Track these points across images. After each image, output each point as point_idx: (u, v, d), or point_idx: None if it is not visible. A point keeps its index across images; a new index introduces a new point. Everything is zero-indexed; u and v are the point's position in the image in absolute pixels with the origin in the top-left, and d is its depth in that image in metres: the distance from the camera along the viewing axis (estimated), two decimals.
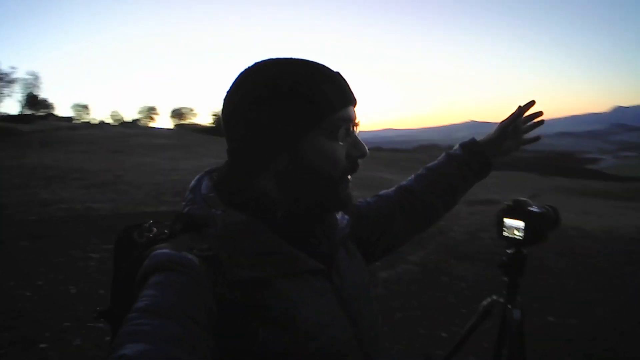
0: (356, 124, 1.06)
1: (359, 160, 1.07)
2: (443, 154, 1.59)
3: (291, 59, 1.04)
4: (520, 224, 1.87)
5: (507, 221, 1.90)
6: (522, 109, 1.54)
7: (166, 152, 20.81)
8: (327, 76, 1.02)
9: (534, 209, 1.87)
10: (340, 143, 1.02)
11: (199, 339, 0.78)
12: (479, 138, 1.58)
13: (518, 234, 1.87)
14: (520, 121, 1.57)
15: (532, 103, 1.55)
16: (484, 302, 2.10)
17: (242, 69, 1.05)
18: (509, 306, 2.00)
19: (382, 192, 1.51)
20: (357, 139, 1.06)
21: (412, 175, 1.58)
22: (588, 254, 8.20)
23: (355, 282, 1.15)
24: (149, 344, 0.71)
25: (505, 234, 1.91)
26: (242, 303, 0.91)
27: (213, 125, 32.04)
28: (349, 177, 1.06)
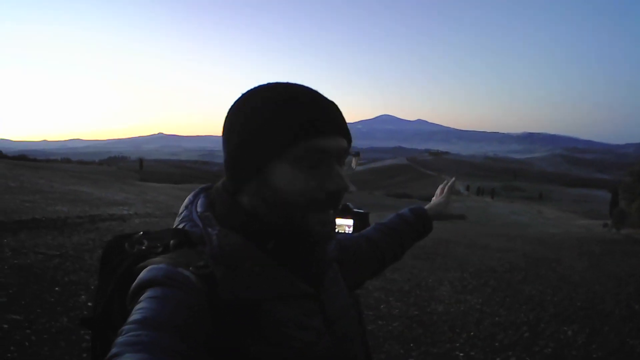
0: (340, 157, 1.03)
1: (339, 195, 1.03)
2: (394, 215, 1.79)
3: (284, 84, 1.05)
4: (350, 221, 2.28)
5: (338, 220, 2.29)
6: (446, 185, 1.96)
7: None
8: (308, 104, 1.01)
9: (358, 210, 2.30)
10: (309, 173, 0.99)
11: (194, 354, 0.80)
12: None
13: (348, 230, 2.28)
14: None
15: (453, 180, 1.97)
16: None
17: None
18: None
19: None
20: (334, 171, 1.01)
21: (369, 227, 1.74)
22: None
23: (340, 304, 1.18)
24: (148, 354, 0.73)
25: (337, 230, 2.30)
26: (236, 321, 0.93)
27: None
28: (329, 209, 1.04)
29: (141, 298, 0.86)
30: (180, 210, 1.13)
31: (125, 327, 0.79)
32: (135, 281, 0.91)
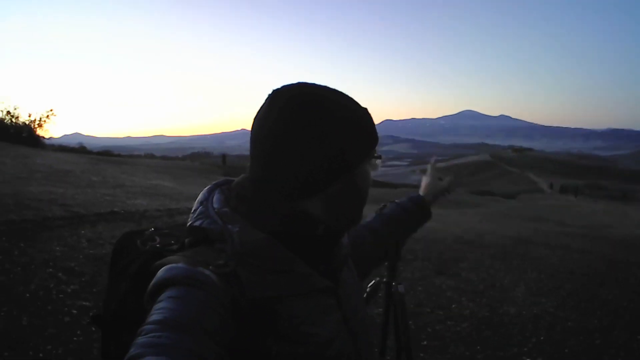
0: None
1: None
2: (393, 204, 1.82)
3: (327, 86, 1.08)
4: None
5: None
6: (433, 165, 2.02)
7: None
8: (364, 108, 1.10)
9: None
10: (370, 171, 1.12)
11: (216, 356, 0.79)
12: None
13: None
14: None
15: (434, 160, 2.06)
16: (371, 283, 2.41)
17: (276, 89, 1.06)
18: (394, 283, 2.34)
19: None
20: (377, 163, 1.15)
21: (369, 217, 1.75)
22: None
23: (355, 299, 1.20)
24: (170, 357, 0.72)
25: None
26: (258, 320, 0.93)
27: None
28: None
29: (161, 297, 0.86)
30: (195, 207, 1.09)
31: (146, 327, 0.79)
32: (154, 280, 0.90)
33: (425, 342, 5.32)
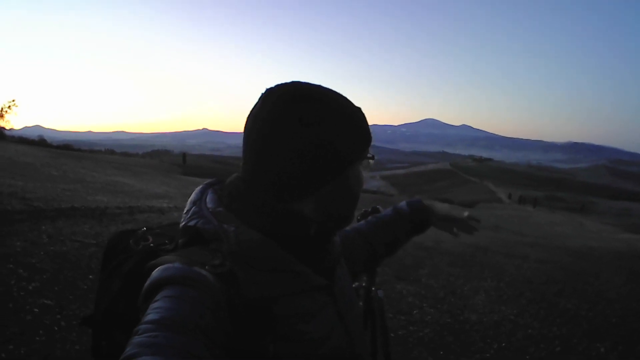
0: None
1: None
2: (391, 208, 1.78)
3: (320, 86, 1.07)
4: None
5: None
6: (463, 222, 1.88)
7: None
8: (358, 108, 1.09)
9: None
10: (362, 171, 1.12)
11: (212, 356, 0.79)
12: None
13: None
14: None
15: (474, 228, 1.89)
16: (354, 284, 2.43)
17: (269, 88, 1.06)
18: (373, 288, 2.36)
19: None
20: (370, 163, 1.14)
21: (363, 221, 1.75)
22: None
23: (349, 296, 1.22)
24: (165, 356, 0.72)
25: None
26: (255, 319, 0.92)
27: None
28: None
29: (157, 297, 0.85)
30: (187, 207, 1.09)
31: (142, 326, 0.78)
32: (150, 279, 0.89)
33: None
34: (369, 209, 2.26)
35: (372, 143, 1.10)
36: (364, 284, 2.36)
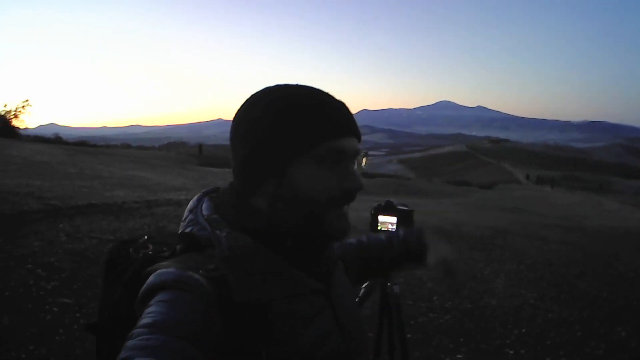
0: (354, 156, 1.08)
1: (355, 193, 1.07)
2: (384, 237, 1.63)
3: (296, 85, 1.09)
4: (393, 219, 2.21)
5: (382, 218, 2.23)
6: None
7: None
8: (324, 104, 1.05)
9: (402, 207, 2.22)
10: (330, 172, 1.03)
11: (204, 358, 0.81)
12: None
13: (391, 227, 2.21)
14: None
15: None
16: (365, 284, 2.41)
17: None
18: (389, 284, 2.34)
19: None
20: (351, 170, 1.06)
21: (354, 240, 1.63)
22: None
23: (348, 300, 1.23)
24: (158, 358, 0.74)
25: (380, 228, 2.24)
26: (247, 324, 0.93)
27: None
28: (344, 207, 1.09)
29: (151, 302, 0.88)
30: (185, 215, 1.14)
31: (135, 330, 0.81)
32: (145, 285, 0.92)
33: (409, 335, 5.31)
34: (382, 203, 2.23)
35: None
36: (380, 280, 2.34)
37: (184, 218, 1.13)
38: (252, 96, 1.08)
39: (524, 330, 5.73)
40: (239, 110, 1.08)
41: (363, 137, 1.14)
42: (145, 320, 0.82)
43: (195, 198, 1.17)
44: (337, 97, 1.09)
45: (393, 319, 2.29)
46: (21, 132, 34.07)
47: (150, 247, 1.13)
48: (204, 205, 1.12)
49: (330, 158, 1.03)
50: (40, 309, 4.88)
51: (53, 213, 8.96)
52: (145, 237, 1.17)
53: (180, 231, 1.10)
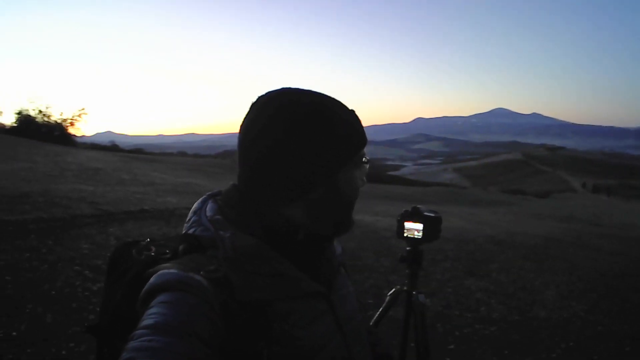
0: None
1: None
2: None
3: (315, 92, 1.10)
4: (419, 226, 2.17)
5: (408, 224, 2.19)
6: None
7: None
8: (351, 113, 1.12)
9: (429, 213, 2.18)
10: (358, 174, 1.13)
11: (207, 359, 0.82)
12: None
13: (417, 235, 2.17)
14: None
15: None
16: (391, 291, 2.38)
17: (259, 96, 1.10)
18: (414, 292, 2.30)
19: None
20: (366, 168, 1.17)
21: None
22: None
23: (350, 305, 1.22)
24: None
25: (405, 234, 2.20)
26: (249, 324, 0.93)
27: (16, 125, 30.04)
28: None
29: (152, 303, 0.88)
30: (189, 217, 1.14)
31: (137, 331, 0.81)
32: (146, 286, 0.92)
33: (452, 346, 5.23)
34: (409, 209, 2.19)
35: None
36: (405, 288, 2.30)
37: (187, 220, 1.13)
38: (275, 103, 1.06)
39: (571, 343, 5.57)
40: (261, 117, 1.06)
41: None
42: (147, 321, 0.83)
43: (199, 200, 1.17)
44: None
45: (417, 328, 2.24)
46: (78, 139, 34.94)
47: (153, 249, 1.12)
48: (208, 207, 1.12)
49: (360, 162, 1.13)
50: (84, 308, 5.00)
51: (104, 218, 9.16)
52: (148, 239, 1.16)
53: (183, 232, 1.11)
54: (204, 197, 1.19)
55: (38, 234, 7.45)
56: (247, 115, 1.10)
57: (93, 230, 8.04)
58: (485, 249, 10.62)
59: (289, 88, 1.10)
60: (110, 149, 38.34)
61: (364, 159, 1.14)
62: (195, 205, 1.16)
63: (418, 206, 2.19)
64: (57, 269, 6.12)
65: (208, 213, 1.10)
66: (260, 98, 1.10)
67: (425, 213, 2.17)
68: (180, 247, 1.06)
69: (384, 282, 7.25)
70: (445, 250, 9.73)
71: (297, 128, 1.02)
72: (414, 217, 2.17)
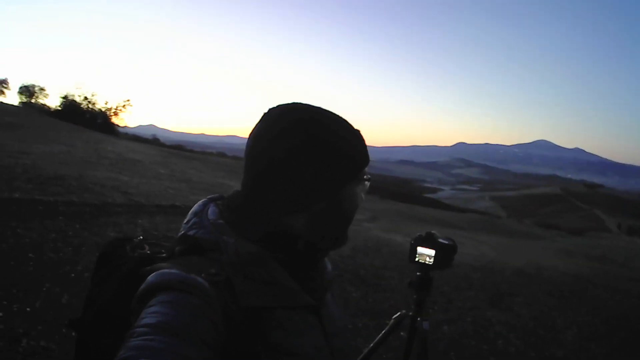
0: None
1: None
2: None
3: (324, 110, 1.12)
4: (431, 252, 2.16)
5: (420, 249, 2.18)
6: None
7: (14, 132, 19.01)
8: (355, 133, 1.14)
9: (443, 240, 2.17)
10: (360, 191, 1.14)
11: None
12: None
13: (429, 261, 2.16)
14: None
15: None
16: (395, 315, 2.37)
17: (271, 108, 1.12)
18: (419, 318, 2.29)
19: None
20: (367, 186, 1.17)
21: None
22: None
23: (339, 323, 1.23)
24: None
25: (417, 259, 2.19)
26: (249, 328, 0.94)
27: (60, 108, 30.75)
28: None
29: (152, 301, 0.87)
30: (188, 218, 1.12)
31: (137, 329, 0.80)
32: (145, 284, 0.91)
33: None
34: (423, 234, 2.18)
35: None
36: (410, 313, 2.29)
37: (186, 221, 1.11)
38: (284, 118, 1.08)
39: None
40: (271, 130, 1.07)
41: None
42: (147, 320, 0.82)
43: (200, 202, 1.17)
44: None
45: (419, 355, 2.23)
46: (120, 129, 35.43)
47: (147, 247, 1.15)
48: (210, 210, 1.12)
49: (362, 179, 1.14)
50: None
51: (135, 208, 9.27)
52: (141, 237, 1.19)
53: (181, 233, 1.10)
54: (204, 200, 1.19)
55: (67, 217, 7.59)
56: (257, 125, 1.10)
57: (122, 220, 8.15)
58: (511, 281, 10.49)
59: (300, 104, 1.12)
60: (151, 142, 38.78)
61: (365, 176, 1.15)
62: (195, 207, 1.15)
63: (432, 232, 2.18)
64: (80, 252, 6.22)
65: (210, 216, 1.09)
66: (272, 110, 1.11)
67: (440, 240, 2.16)
68: (177, 248, 1.08)
69: (403, 304, 7.15)
70: (471, 279, 9.66)
71: (306, 145, 1.03)
72: (427, 243, 2.17)
